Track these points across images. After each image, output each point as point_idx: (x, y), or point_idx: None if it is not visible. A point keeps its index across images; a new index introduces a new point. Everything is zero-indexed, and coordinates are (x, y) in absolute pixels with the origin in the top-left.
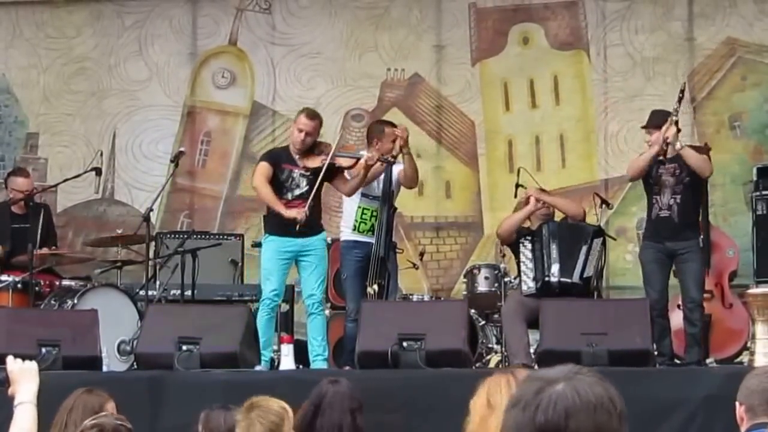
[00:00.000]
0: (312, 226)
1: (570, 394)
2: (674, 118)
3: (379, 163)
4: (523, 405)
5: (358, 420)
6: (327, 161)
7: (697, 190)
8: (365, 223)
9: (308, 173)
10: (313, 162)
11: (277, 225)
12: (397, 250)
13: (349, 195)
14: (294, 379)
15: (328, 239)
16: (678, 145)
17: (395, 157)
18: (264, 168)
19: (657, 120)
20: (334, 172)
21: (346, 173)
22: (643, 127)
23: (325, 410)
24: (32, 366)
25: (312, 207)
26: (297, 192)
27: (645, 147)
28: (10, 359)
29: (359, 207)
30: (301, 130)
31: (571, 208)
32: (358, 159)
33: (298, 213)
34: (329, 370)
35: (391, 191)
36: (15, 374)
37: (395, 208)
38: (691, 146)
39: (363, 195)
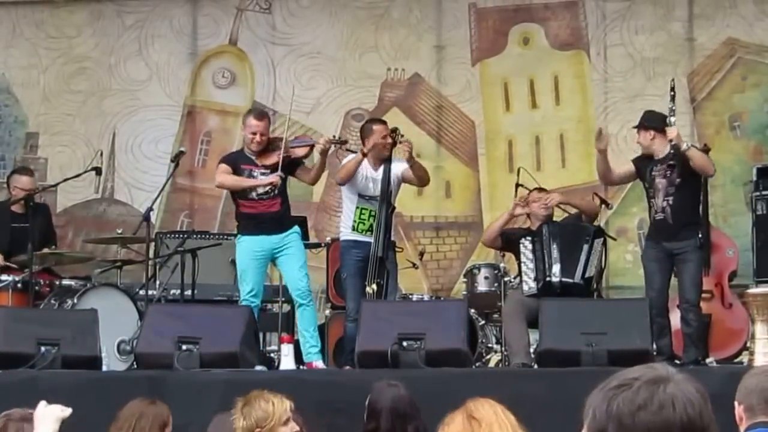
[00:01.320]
0: (283, 222)
1: (693, 392)
2: (672, 118)
3: (336, 147)
4: (656, 406)
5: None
6: (281, 155)
7: (692, 190)
8: (363, 224)
9: (267, 171)
10: (270, 159)
11: (249, 225)
12: (397, 249)
13: (313, 183)
14: (294, 379)
15: (328, 238)
16: (684, 146)
17: (374, 152)
18: (223, 167)
19: (649, 120)
20: (294, 165)
21: (306, 162)
22: (634, 127)
23: (413, 414)
24: (54, 411)
25: (282, 203)
26: (261, 191)
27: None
28: (42, 404)
29: (357, 207)
30: (254, 133)
31: (589, 208)
32: (312, 145)
33: (274, 178)
34: (331, 370)
35: (389, 191)
36: (37, 418)
37: (393, 208)
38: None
39: (360, 195)
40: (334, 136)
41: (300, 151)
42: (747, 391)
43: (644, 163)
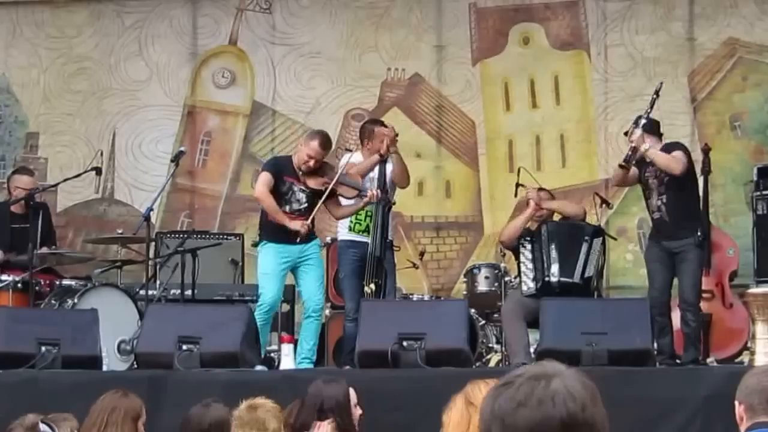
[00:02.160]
0: (308, 234)
1: (576, 387)
2: (642, 120)
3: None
4: (536, 402)
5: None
6: (330, 187)
7: (685, 187)
8: (360, 224)
9: (307, 190)
10: (315, 182)
11: (275, 232)
12: (395, 248)
13: (339, 219)
14: (294, 379)
15: (328, 238)
16: (643, 148)
17: (389, 200)
18: (267, 178)
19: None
20: (331, 193)
21: (339, 197)
22: (626, 133)
23: (327, 412)
24: None
25: (312, 219)
26: (296, 206)
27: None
28: None
29: None
30: (311, 157)
31: (571, 210)
32: (360, 191)
33: (302, 226)
34: (331, 369)
35: (385, 190)
36: None
37: (392, 204)
38: (666, 145)
39: (357, 195)
40: (384, 197)
41: (347, 192)
42: (747, 390)
43: (640, 165)
